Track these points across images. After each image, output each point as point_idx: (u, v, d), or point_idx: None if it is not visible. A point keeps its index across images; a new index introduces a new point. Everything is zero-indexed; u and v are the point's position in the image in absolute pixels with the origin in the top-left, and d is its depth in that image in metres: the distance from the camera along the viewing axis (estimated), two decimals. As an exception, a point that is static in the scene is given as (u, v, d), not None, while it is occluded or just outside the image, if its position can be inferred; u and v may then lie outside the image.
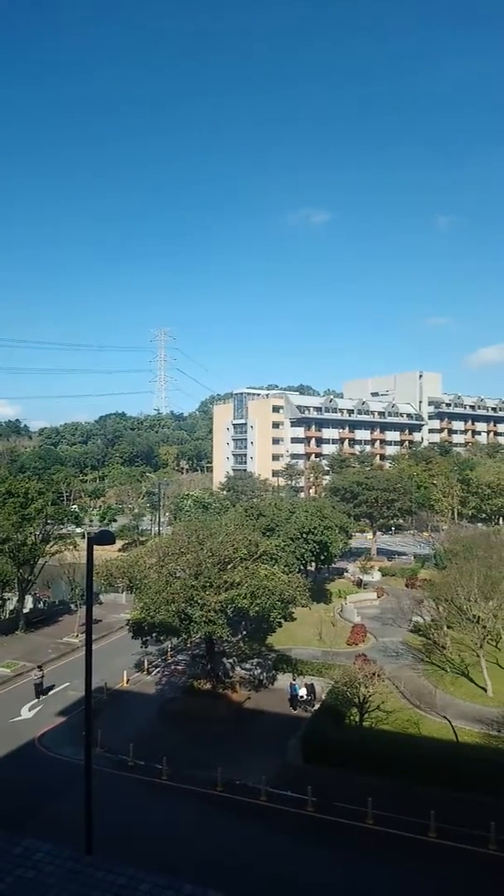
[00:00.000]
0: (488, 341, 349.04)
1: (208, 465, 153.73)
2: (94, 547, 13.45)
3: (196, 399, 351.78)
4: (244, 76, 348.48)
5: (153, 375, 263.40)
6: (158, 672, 35.55)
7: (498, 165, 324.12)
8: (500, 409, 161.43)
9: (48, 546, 45.76)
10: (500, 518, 78.21)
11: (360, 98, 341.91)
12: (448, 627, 36.29)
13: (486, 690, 30.88)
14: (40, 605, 50.60)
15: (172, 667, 36.17)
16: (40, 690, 31.41)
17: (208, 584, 28.82)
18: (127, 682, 33.50)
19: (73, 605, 48.86)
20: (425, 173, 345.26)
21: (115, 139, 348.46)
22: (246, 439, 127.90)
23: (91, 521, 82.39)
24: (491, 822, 18.60)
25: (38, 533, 45.18)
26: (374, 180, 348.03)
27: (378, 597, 52.07)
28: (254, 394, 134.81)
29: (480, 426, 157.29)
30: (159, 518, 78.98)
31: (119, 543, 76.42)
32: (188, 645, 37.23)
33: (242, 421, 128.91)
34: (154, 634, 30.81)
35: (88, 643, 13.39)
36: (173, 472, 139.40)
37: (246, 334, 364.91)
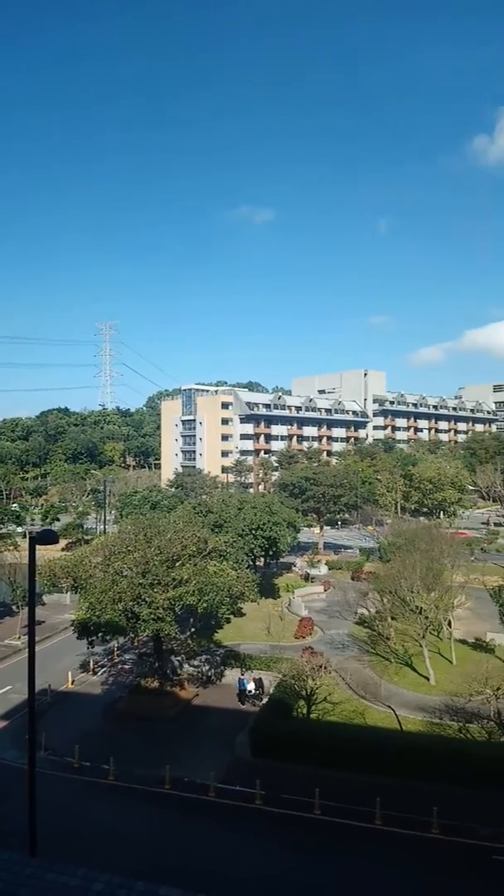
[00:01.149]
0: (427, 341, 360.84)
1: (156, 461, 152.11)
2: (37, 546, 13.02)
3: (143, 395, 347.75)
4: (183, 73, 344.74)
5: (97, 370, 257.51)
6: (105, 672, 34.92)
7: (437, 164, 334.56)
8: (441, 407, 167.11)
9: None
10: (441, 512, 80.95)
11: (301, 94, 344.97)
12: (392, 619, 37.23)
13: (428, 679, 31.87)
14: (-21, 608, 48.73)
15: (119, 666, 35.62)
16: (-20, 695, 30.26)
17: (156, 581, 28.47)
18: (72, 684, 32.74)
19: (14, 607, 47.31)
20: (366, 172, 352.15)
21: (48, 134, 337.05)
22: (195, 436, 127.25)
23: (33, 520, 79.97)
24: (433, 806, 19.20)
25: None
26: (315, 178, 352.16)
27: (325, 590, 52.90)
28: (203, 390, 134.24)
29: (422, 423, 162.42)
30: (105, 516, 77.52)
31: (62, 543, 74.45)
32: (135, 644, 36.74)
33: (191, 417, 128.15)
34: (100, 634, 30.24)
35: (31, 645, 13.00)
36: (119, 470, 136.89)
37: (193, 330, 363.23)
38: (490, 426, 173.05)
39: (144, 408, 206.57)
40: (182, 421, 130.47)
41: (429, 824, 19.08)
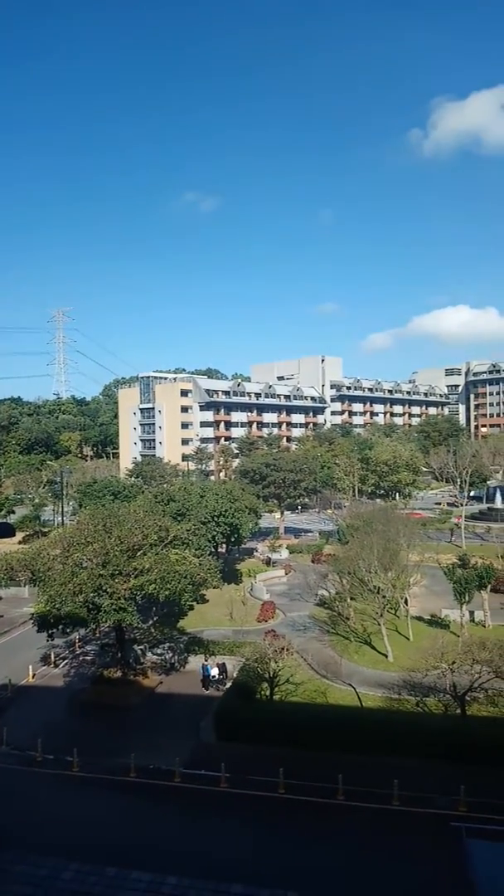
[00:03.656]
0: (376, 328, 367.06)
1: (114, 451, 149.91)
2: (-7, 539, 12.73)
3: (99, 383, 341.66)
4: (121, 65, 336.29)
5: (51, 358, 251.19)
6: (66, 664, 34.55)
7: (376, 155, 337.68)
8: (396, 392, 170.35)
9: None
10: (397, 493, 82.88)
11: (244, 83, 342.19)
12: (351, 599, 38.06)
13: (387, 657, 32.80)
14: None
15: (81, 658, 35.30)
16: None
17: (117, 571, 28.28)
18: (33, 677, 32.29)
19: (-30, 602, 46.14)
20: (307, 162, 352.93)
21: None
22: (154, 424, 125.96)
23: (-13, 513, 77.82)
24: (394, 779, 19.86)
25: None
26: (258, 168, 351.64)
27: (286, 574, 53.58)
28: (161, 377, 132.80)
29: (378, 408, 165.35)
30: (62, 507, 76.17)
31: (19, 535, 72.88)
32: (97, 634, 36.45)
33: (150, 405, 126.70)
34: (60, 627, 29.86)
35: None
36: (76, 460, 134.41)
37: (148, 317, 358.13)
38: (442, 409, 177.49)
39: (101, 396, 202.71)
40: (140, 409, 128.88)
41: (389, 797, 19.73)
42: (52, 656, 34.70)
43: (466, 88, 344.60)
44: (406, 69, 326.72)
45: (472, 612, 38.16)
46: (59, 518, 74.80)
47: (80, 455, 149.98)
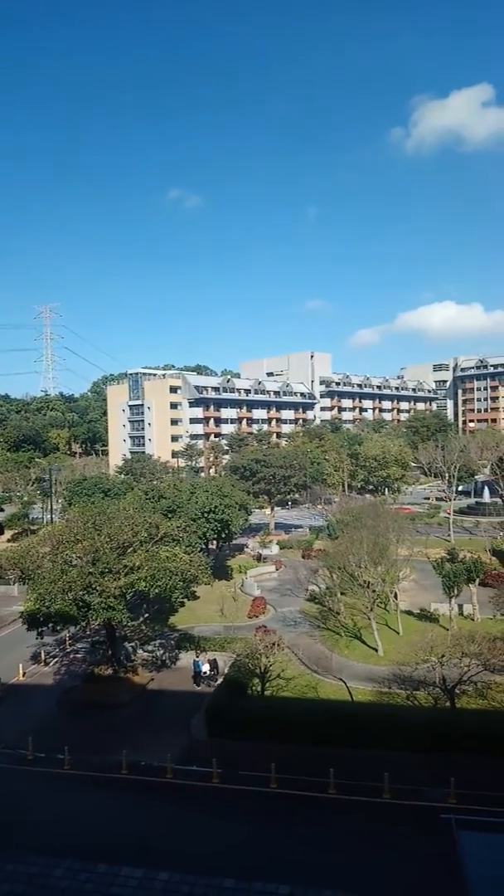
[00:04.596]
0: (364, 324, 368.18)
1: (103, 448, 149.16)
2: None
3: (87, 380, 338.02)
4: (110, 65, 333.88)
5: (39, 354, 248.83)
6: (57, 662, 34.43)
7: (361, 153, 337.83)
8: (384, 388, 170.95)
9: None
10: (386, 488, 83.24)
11: (227, 85, 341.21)
12: (342, 594, 38.22)
13: (377, 651, 32.99)
14: None
15: (71, 655, 35.19)
16: None
17: (107, 569, 28.18)
18: (23, 676, 32.14)
19: (-41, 601, 45.82)
20: (295, 161, 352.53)
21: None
22: (143, 420, 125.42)
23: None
24: (385, 773, 20.01)
25: None
26: (245, 166, 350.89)
27: (276, 569, 53.69)
28: (150, 374, 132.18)
29: (367, 403, 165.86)
30: (51, 505, 75.74)
31: (8, 534, 72.49)
32: (87, 632, 36.29)
33: (139, 402, 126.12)
34: (50, 625, 29.73)
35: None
36: (65, 457, 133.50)
37: (137, 314, 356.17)
38: (431, 405, 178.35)
39: (89, 393, 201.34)
40: (129, 406, 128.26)
41: (380, 790, 19.89)
42: (43, 654, 34.55)
43: (447, 87, 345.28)
44: (387, 69, 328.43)
45: (460, 606, 38.47)
46: (48, 516, 74.38)
47: (68, 452, 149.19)
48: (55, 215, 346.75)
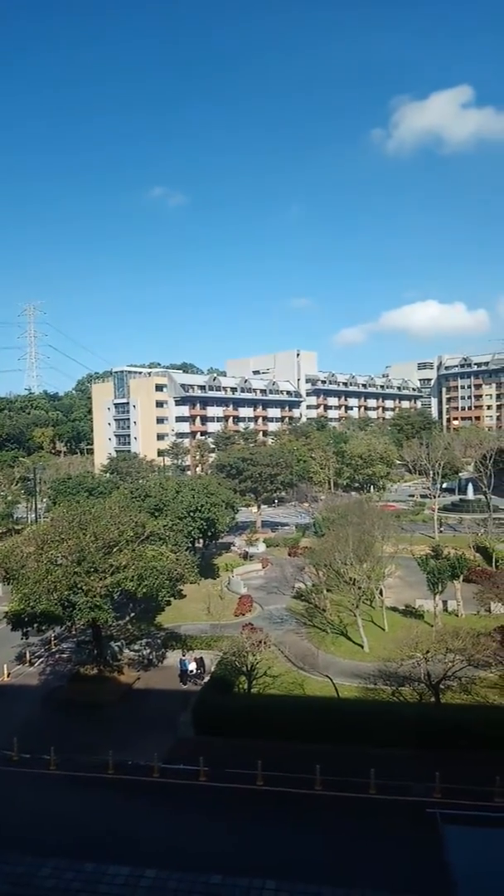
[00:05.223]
0: (348, 323, 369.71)
1: (88, 446, 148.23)
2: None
3: (72, 378, 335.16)
4: (92, 62, 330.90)
5: (23, 352, 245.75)
6: (42, 662, 34.19)
7: (344, 152, 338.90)
8: (370, 386, 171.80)
9: None
10: (372, 486, 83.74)
11: (209, 84, 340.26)
12: (328, 591, 38.40)
13: (362, 647, 33.20)
14: None
15: (57, 655, 34.96)
16: None
17: (92, 569, 28.03)
18: (8, 676, 31.88)
19: None
20: (281, 159, 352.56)
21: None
22: (129, 419, 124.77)
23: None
24: (371, 768, 20.15)
25: None
26: (228, 165, 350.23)
27: (263, 567, 53.77)
28: (135, 372, 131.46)
29: (352, 401, 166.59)
30: (36, 504, 75.14)
31: (-8, 533, 71.61)
32: (73, 632, 36.11)
33: (124, 400, 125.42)
34: (35, 625, 29.50)
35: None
36: (49, 456, 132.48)
37: (123, 312, 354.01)
38: (415, 403, 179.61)
39: (74, 391, 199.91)
40: (115, 404, 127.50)
41: (366, 785, 20.03)
42: (28, 655, 34.29)
43: (427, 89, 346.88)
44: (367, 70, 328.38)
45: (445, 602, 38.82)
46: (33, 515, 73.78)
47: (53, 451, 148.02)
48: (38, 212, 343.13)
